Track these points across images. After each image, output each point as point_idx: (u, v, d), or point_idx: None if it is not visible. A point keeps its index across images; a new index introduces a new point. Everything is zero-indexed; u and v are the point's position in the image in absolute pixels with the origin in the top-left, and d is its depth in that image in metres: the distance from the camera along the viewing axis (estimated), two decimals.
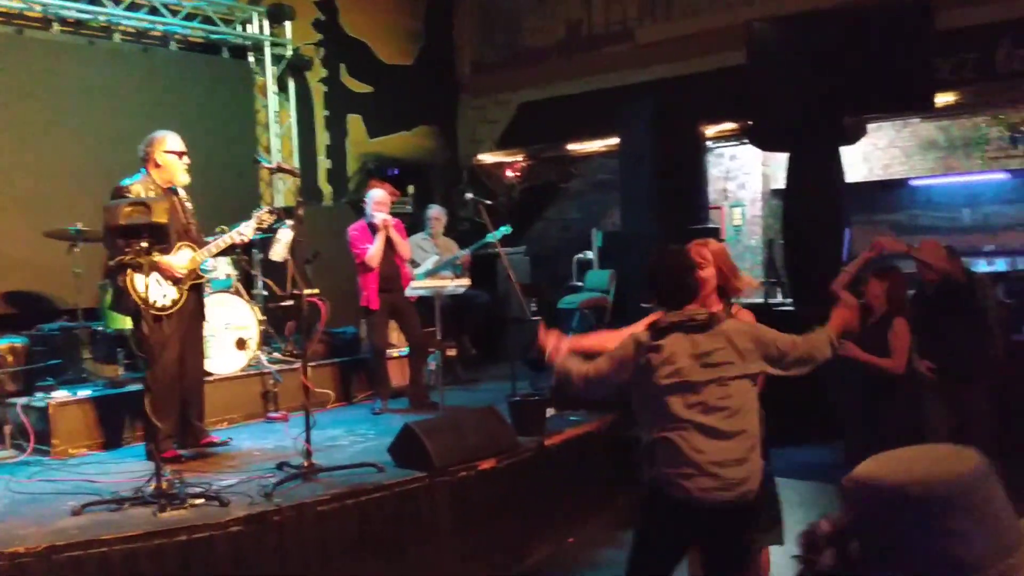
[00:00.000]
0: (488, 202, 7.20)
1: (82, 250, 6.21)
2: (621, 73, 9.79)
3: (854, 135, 7.91)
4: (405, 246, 6.78)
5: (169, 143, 5.17)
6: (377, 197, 6.66)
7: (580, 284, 9.79)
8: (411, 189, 10.03)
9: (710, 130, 9.39)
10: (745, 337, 3.09)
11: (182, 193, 5.32)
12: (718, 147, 10.71)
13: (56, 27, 7.72)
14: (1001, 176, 10.12)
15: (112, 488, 4.53)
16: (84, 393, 5.81)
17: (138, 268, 4.42)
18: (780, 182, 9.39)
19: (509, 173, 11.43)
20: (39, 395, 5.74)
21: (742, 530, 3.13)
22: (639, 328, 3.25)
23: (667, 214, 7.51)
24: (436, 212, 8.02)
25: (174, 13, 8.39)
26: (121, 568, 3.76)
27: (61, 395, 5.71)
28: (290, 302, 4.96)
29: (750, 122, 8.23)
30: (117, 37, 8.15)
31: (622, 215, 8.49)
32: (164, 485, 4.23)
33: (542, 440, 5.54)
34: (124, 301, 4.98)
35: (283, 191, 9.19)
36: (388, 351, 6.92)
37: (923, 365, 5.02)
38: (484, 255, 8.38)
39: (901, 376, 4.85)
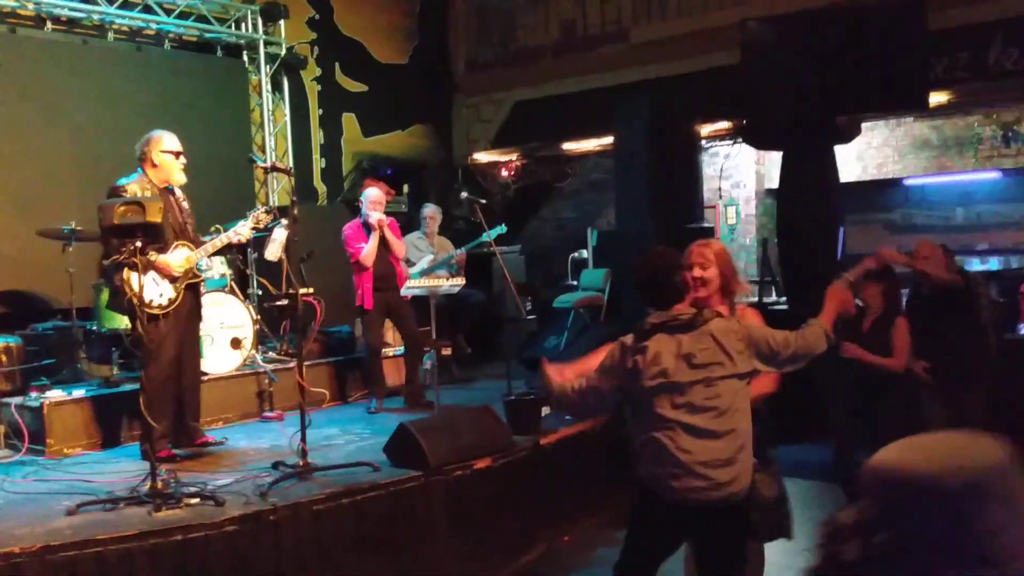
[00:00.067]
0: (483, 201, 7.21)
1: (76, 249, 6.20)
2: (616, 72, 9.79)
3: (848, 134, 7.92)
4: (400, 245, 6.79)
5: (166, 143, 5.17)
6: (372, 196, 6.66)
7: (575, 283, 9.81)
8: (406, 188, 10.03)
9: (705, 129, 9.40)
10: (733, 337, 3.06)
11: (179, 192, 5.32)
12: (713, 146, 10.72)
13: (49, 26, 7.69)
14: (994, 175, 10.16)
15: (107, 488, 4.53)
16: (79, 393, 5.81)
17: (134, 267, 4.42)
18: (774, 181, 9.40)
19: (504, 172, 11.43)
20: (33, 395, 5.73)
21: (731, 530, 3.12)
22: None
23: (662, 213, 7.51)
24: (431, 211, 8.02)
25: (168, 12, 8.37)
26: (116, 568, 3.75)
27: (56, 395, 5.70)
28: (285, 301, 4.96)
29: (744, 121, 8.24)
30: (111, 36, 8.12)
31: (617, 214, 8.50)
32: (159, 485, 4.23)
33: (537, 439, 5.55)
34: (121, 300, 4.98)
35: (277, 190, 9.18)
36: (383, 350, 6.92)
37: (918, 366, 5.05)
38: (479, 254, 8.39)
39: (900, 376, 4.89)
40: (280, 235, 5.80)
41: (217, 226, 6.01)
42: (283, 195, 9.00)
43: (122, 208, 4.37)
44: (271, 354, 7.19)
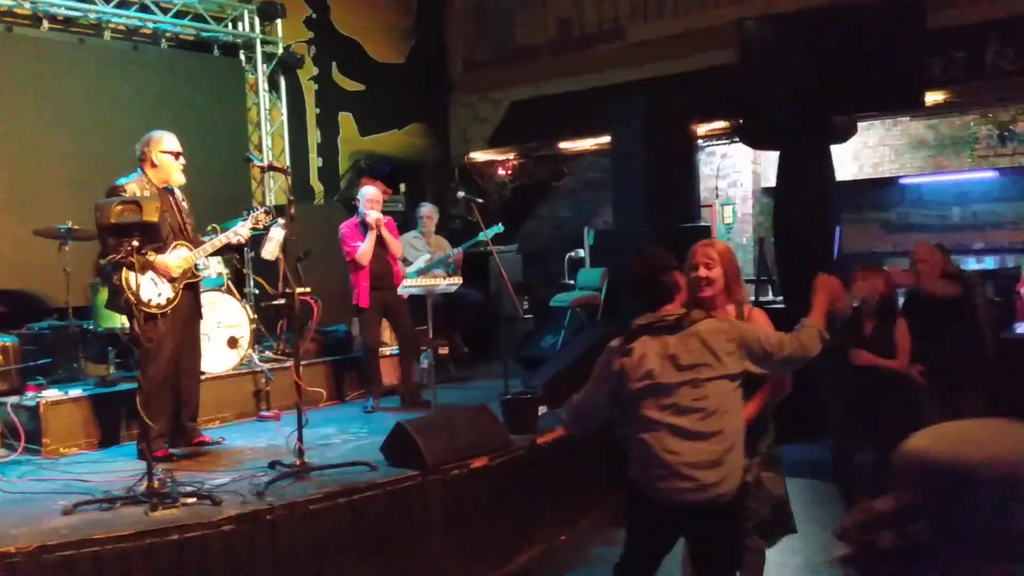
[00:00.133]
0: (480, 200, 7.22)
1: (72, 248, 6.19)
2: (612, 71, 9.80)
3: (844, 133, 7.94)
4: (397, 244, 6.78)
5: (166, 143, 5.18)
6: (369, 195, 6.66)
7: (572, 282, 9.82)
8: (403, 187, 10.03)
9: (701, 128, 9.41)
10: (722, 337, 3.03)
11: (178, 193, 5.32)
12: (709, 145, 10.74)
13: (46, 24, 7.68)
14: (990, 174, 10.18)
15: (104, 487, 4.52)
16: (75, 392, 5.80)
17: (132, 266, 4.41)
18: (771, 180, 9.43)
19: (501, 171, 11.43)
20: (29, 394, 5.72)
21: (721, 531, 3.10)
22: None
23: (658, 212, 7.52)
24: (428, 210, 8.01)
25: (165, 11, 8.36)
26: (113, 568, 3.75)
27: (52, 394, 5.69)
28: (282, 301, 4.95)
29: (741, 120, 8.26)
30: (107, 35, 8.11)
31: (614, 213, 8.50)
32: (156, 484, 4.23)
33: (534, 438, 5.54)
34: (119, 300, 4.98)
35: (274, 189, 9.17)
36: (381, 350, 6.92)
37: (915, 370, 5.07)
38: (476, 253, 8.39)
39: (900, 376, 4.94)
40: (277, 234, 5.80)
41: (214, 225, 6.01)
42: (280, 194, 8.99)
43: (119, 207, 4.37)
44: (268, 353, 7.19)
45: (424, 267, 7.54)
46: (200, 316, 5.46)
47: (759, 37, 7.61)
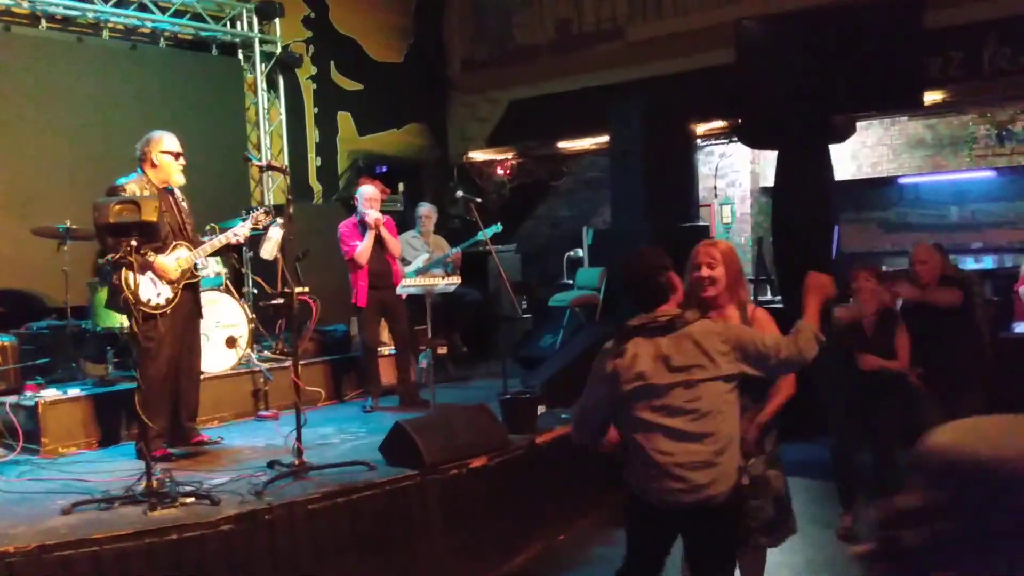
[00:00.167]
0: (478, 200, 7.21)
1: (71, 248, 6.19)
2: (611, 71, 9.81)
3: (843, 133, 7.94)
4: (396, 244, 6.78)
5: (166, 143, 5.17)
6: (367, 193, 6.65)
7: (571, 282, 9.82)
8: (401, 187, 10.03)
9: (700, 128, 9.42)
10: (716, 339, 2.99)
11: (178, 193, 5.32)
12: (708, 145, 10.75)
13: (44, 24, 7.67)
14: (988, 174, 10.20)
15: (102, 487, 4.52)
16: (74, 392, 5.79)
17: (131, 266, 4.41)
18: (769, 180, 9.43)
19: (499, 171, 11.43)
20: (28, 394, 5.72)
21: (714, 532, 3.08)
22: None
23: (657, 212, 7.53)
24: (426, 210, 8.01)
25: (163, 10, 8.35)
26: (112, 567, 3.74)
27: (50, 394, 5.69)
28: (280, 300, 4.95)
29: (740, 120, 8.25)
30: (106, 34, 8.10)
31: (612, 213, 8.51)
32: (154, 484, 4.22)
33: (533, 438, 5.55)
34: (119, 299, 4.97)
35: (273, 189, 9.17)
36: (379, 349, 6.92)
37: (912, 373, 5.09)
38: (475, 253, 8.39)
39: (900, 377, 4.97)
40: (276, 234, 5.80)
41: (212, 225, 6.01)
42: (279, 194, 8.99)
43: (117, 207, 4.37)
44: (266, 353, 7.19)
45: (423, 267, 7.53)
46: (200, 316, 5.46)
47: (758, 37, 7.61)
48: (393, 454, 4.94)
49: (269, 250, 5.87)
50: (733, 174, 11.23)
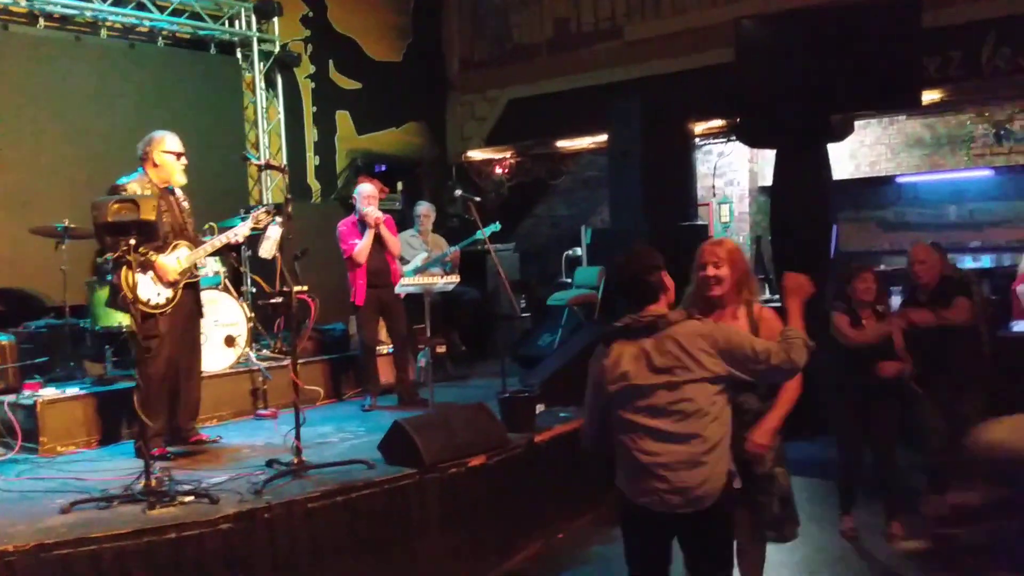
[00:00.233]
0: (477, 199, 7.20)
1: (69, 247, 6.18)
2: (610, 70, 9.81)
3: (841, 132, 7.95)
4: (395, 242, 6.78)
5: (168, 143, 5.17)
6: (365, 191, 6.65)
7: (569, 281, 9.82)
8: (400, 186, 10.03)
9: (699, 127, 9.43)
10: (701, 340, 2.95)
11: (179, 193, 5.31)
12: (706, 144, 10.76)
13: (42, 22, 7.66)
14: (986, 173, 10.21)
15: (101, 486, 4.51)
16: (72, 390, 5.79)
17: (130, 265, 4.41)
18: (768, 179, 9.44)
19: (498, 170, 11.43)
20: (27, 392, 5.71)
21: (705, 533, 3.06)
22: None
23: (656, 211, 7.53)
24: (425, 209, 8.01)
25: (161, 9, 8.34)
26: (111, 566, 3.74)
27: (49, 392, 5.69)
28: (279, 299, 4.95)
29: (738, 119, 8.26)
30: (104, 33, 8.10)
31: (611, 212, 8.51)
32: (153, 482, 4.22)
33: (532, 436, 5.55)
34: (119, 298, 4.97)
35: (271, 188, 9.17)
36: (378, 348, 6.92)
37: (910, 376, 5.09)
38: (473, 252, 8.39)
39: (899, 377, 4.98)
40: (274, 233, 5.77)
41: (211, 224, 6.00)
42: (277, 192, 8.99)
43: (116, 205, 4.36)
44: (265, 352, 7.18)
45: (421, 266, 7.53)
46: (201, 315, 5.45)
47: (756, 36, 7.62)
48: (392, 453, 4.94)
49: (267, 249, 5.85)
50: (732, 173, 11.24)
